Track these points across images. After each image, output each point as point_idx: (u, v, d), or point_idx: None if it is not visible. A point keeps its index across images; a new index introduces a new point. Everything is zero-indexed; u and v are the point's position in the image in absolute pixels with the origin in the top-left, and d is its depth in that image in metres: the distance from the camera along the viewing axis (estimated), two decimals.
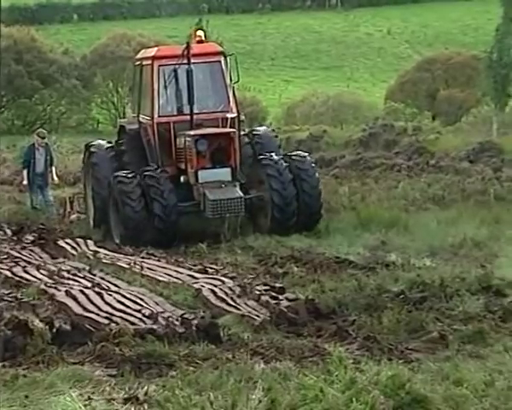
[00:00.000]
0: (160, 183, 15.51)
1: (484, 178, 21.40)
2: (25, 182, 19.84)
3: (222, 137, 15.95)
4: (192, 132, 15.90)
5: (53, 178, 19.87)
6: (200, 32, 17.42)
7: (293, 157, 16.35)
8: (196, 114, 16.12)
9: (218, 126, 16.35)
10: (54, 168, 19.95)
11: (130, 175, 15.70)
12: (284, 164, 15.98)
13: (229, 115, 16.44)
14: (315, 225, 16.06)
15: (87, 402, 7.08)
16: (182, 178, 16.01)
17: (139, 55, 17.55)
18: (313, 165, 16.53)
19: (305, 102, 50.46)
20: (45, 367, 8.12)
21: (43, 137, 19.90)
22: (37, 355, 8.44)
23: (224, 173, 15.74)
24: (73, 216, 18.66)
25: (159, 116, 16.34)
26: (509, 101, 40.23)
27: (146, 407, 6.98)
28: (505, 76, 38.75)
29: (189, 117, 16.08)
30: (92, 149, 17.29)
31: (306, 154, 16.87)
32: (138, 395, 7.18)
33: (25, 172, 19.70)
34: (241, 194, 15.64)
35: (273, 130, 19.14)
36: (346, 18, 77.37)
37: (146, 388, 7.32)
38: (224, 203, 15.41)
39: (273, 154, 16.32)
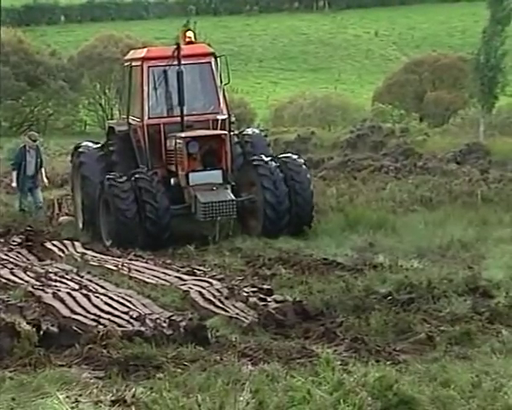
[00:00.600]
0: (156, 200, 15.26)
1: (471, 179, 21.46)
2: (14, 184, 19.74)
3: (213, 140, 15.84)
4: (183, 134, 15.80)
5: (43, 180, 19.80)
6: (189, 33, 17.19)
7: (289, 165, 16.03)
8: (187, 115, 16.02)
9: (208, 128, 16.25)
10: (43, 170, 19.89)
11: (125, 185, 15.38)
12: (274, 164, 15.86)
13: (219, 117, 16.33)
14: (307, 226, 15.89)
15: (74, 405, 7.06)
16: (172, 181, 15.87)
17: (128, 56, 17.38)
18: (308, 176, 16.23)
19: (293, 103, 50.48)
20: (32, 370, 8.10)
21: (35, 140, 19.79)
22: (25, 358, 8.42)
23: (215, 176, 15.64)
24: (62, 218, 18.50)
25: (149, 118, 16.22)
26: (496, 103, 40.36)
27: (133, 409, 6.96)
28: (492, 78, 38.88)
29: (179, 119, 15.98)
30: (81, 154, 17.00)
31: (302, 161, 16.48)
32: (126, 397, 7.17)
33: (14, 173, 19.60)
34: (233, 197, 15.55)
35: (265, 134, 18.67)
36: (334, 20, 77.44)
37: (133, 390, 7.30)
38: (215, 206, 15.31)
39: (263, 155, 16.19)
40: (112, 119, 52.89)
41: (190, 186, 15.60)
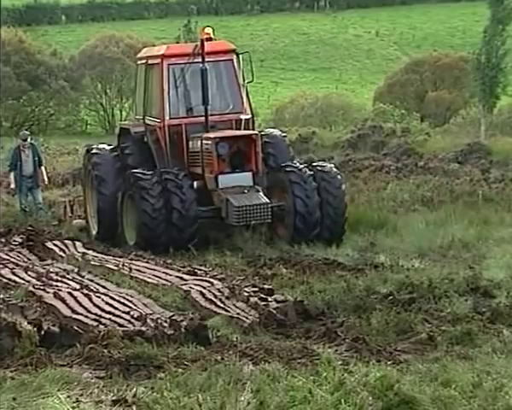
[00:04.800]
0: (185, 208, 14.67)
1: (472, 179, 21.47)
2: (12, 185, 19.66)
3: (243, 140, 15.18)
4: (212, 135, 15.15)
5: (43, 179, 19.68)
6: (208, 29, 15.89)
7: (324, 175, 15.25)
8: (210, 115, 15.41)
9: (231, 128, 15.65)
10: (43, 169, 19.74)
11: (152, 181, 14.80)
12: (308, 172, 15.16)
13: (243, 117, 15.77)
14: (337, 239, 15.06)
15: (75, 405, 7.06)
16: (195, 184, 15.16)
17: (143, 54, 16.68)
18: (343, 187, 15.41)
19: (294, 103, 50.43)
20: (33, 369, 8.09)
21: (25, 139, 19.63)
22: (26, 357, 8.42)
23: (244, 178, 15.01)
24: (76, 221, 17.78)
25: (170, 118, 15.60)
26: (497, 102, 40.37)
27: (134, 408, 6.96)
28: (493, 78, 38.90)
29: (201, 119, 15.38)
30: (95, 156, 16.31)
31: (337, 171, 15.63)
32: (127, 397, 7.16)
33: (12, 174, 19.52)
34: (267, 199, 14.85)
35: (284, 134, 17.66)
36: (335, 20, 77.43)
37: (134, 390, 7.30)
38: (249, 210, 14.63)
39: (296, 162, 15.62)
40: (113, 118, 53.17)
41: (220, 189, 14.95)
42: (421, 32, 74.02)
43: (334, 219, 15.15)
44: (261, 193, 15.02)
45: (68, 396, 7.22)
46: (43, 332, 9.00)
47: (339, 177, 15.56)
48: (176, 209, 14.81)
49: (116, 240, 15.70)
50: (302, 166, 15.49)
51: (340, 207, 15.22)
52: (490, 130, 36.66)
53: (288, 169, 15.29)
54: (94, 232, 16.49)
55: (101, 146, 16.90)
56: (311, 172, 15.27)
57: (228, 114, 15.91)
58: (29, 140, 19.75)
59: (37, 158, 19.41)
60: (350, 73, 67.79)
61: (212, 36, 15.99)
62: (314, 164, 15.87)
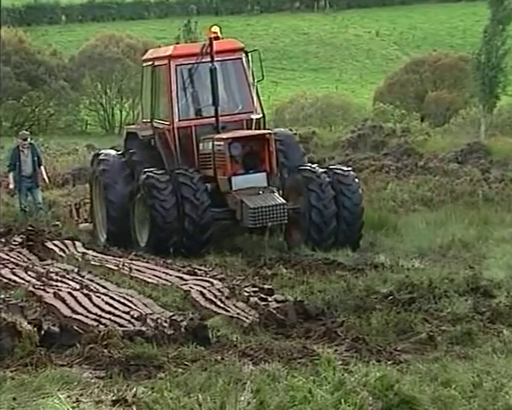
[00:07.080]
0: (197, 197, 14.38)
1: (472, 179, 21.48)
2: (11, 185, 19.64)
3: (257, 140, 14.89)
4: (224, 136, 14.87)
5: (43, 179, 19.65)
6: (215, 28, 15.57)
7: (343, 187, 14.79)
8: (220, 116, 15.17)
9: (242, 128, 15.39)
10: (43, 169, 19.71)
11: (164, 180, 14.56)
12: (327, 179, 14.70)
13: (253, 116, 15.51)
14: (354, 243, 14.74)
15: (75, 404, 7.06)
16: (209, 187, 14.83)
17: (149, 55, 16.41)
18: (362, 203, 14.99)
19: (294, 103, 50.42)
20: (33, 369, 8.09)
21: (25, 139, 19.62)
22: (26, 357, 8.41)
23: (258, 179, 14.70)
24: (83, 225, 17.50)
25: (179, 120, 15.33)
26: (497, 102, 40.38)
27: (134, 408, 6.96)
28: (493, 78, 38.92)
29: (211, 120, 15.15)
30: (103, 164, 15.95)
31: (357, 181, 15.20)
32: (127, 396, 7.16)
33: (11, 175, 19.50)
34: (283, 200, 14.53)
35: (294, 133, 17.27)
36: (335, 19, 77.42)
37: (134, 390, 7.30)
38: (265, 211, 14.28)
39: (316, 165, 15.31)
40: (113, 118, 53.16)
41: (234, 191, 14.65)
42: (421, 32, 74.00)
43: (349, 237, 14.76)
44: (276, 194, 14.71)
45: (68, 396, 7.22)
46: (43, 332, 9.00)
47: (360, 191, 15.08)
48: (189, 216, 14.53)
49: (125, 246, 15.30)
50: (321, 170, 15.03)
51: (356, 227, 14.84)
52: (490, 130, 36.67)
53: (306, 175, 14.87)
54: (102, 239, 16.23)
55: (108, 151, 16.67)
56: (330, 179, 14.81)
57: (238, 113, 15.66)
58: (28, 140, 19.73)
59: (36, 158, 19.38)
60: (350, 73, 67.79)
61: (219, 35, 15.66)
62: (336, 171, 15.23)
